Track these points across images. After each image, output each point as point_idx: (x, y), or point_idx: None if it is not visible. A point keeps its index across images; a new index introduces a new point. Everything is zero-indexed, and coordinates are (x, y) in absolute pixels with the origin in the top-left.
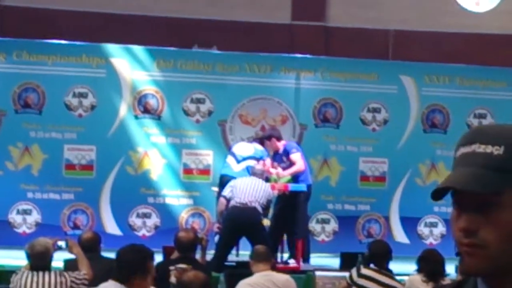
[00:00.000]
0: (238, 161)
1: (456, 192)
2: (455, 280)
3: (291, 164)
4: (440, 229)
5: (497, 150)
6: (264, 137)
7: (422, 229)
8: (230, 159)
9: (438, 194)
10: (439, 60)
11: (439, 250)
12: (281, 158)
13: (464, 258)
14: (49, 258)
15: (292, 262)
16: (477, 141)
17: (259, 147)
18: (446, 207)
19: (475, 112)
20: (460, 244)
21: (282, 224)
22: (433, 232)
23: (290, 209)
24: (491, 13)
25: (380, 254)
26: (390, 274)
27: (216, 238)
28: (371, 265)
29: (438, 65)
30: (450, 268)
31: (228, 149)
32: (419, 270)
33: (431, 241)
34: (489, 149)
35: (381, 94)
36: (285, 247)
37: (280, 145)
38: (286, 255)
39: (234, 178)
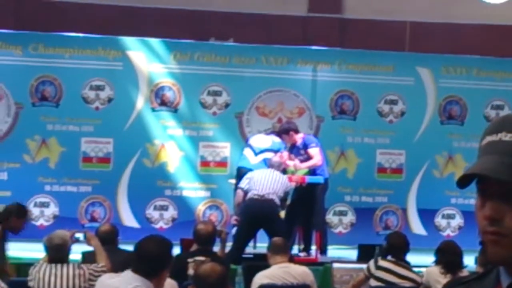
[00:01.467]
0: (256, 154)
1: (482, 180)
2: (478, 272)
3: (309, 157)
4: (458, 221)
5: None
6: (282, 132)
7: (440, 221)
8: (247, 151)
9: (463, 181)
10: (455, 51)
11: (457, 242)
12: (299, 151)
13: (488, 247)
14: (67, 251)
15: (303, 255)
16: (504, 129)
17: (276, 139)
18: (463, 198)
19: (492, 104)
20: (484, 232)
21: (299, 216)
22: (450, 224)
23: (307, 201)
24: (508, 4)
25: (398, 246)
26: (407, 265)
27: (234, 230)
28: (389, 257)
29: (455, 56)
30: (468, 260)
31: (245, 141)
32: (437, 262)
33: (448, 233)
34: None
35: (398, 86)
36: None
37: (298, 137)
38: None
39: (251, 170)
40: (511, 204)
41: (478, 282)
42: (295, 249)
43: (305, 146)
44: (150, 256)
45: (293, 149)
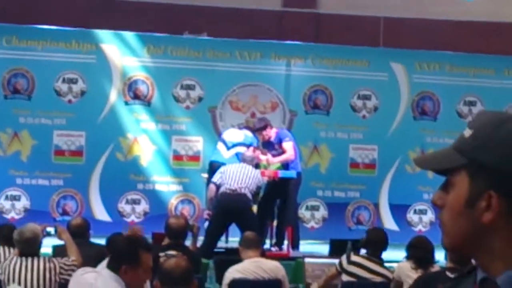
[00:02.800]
0: (228, 148)
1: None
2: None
3: (283, 151)
4: (429, 216)
5: (468, 133)
6: (260, 129)
7: (412, 216)
8: (220, 146)
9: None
10: (429, 47)
11: (429, 237)
12: (273, 145)
13: None
14: (38, 244)
15: (275, 249)
16: (468, 125)
17: (249, 133)
18: None
19: (465, 100)
20: None
21: (271, 211)
22: (422, 219)
23: (280, 196)
24: (481, 0)
25: (376, 243)
26: (380, 261)
27: (206, 224)
28: (363, 252)
29: (428, 52)
30: (440, 255)
31: (218, 135)
32: (408, 257)
33: (420, 228)
34: (467, 132)
35: (372, 81)
36: (275, 233)
37: (272, 132)
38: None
39: (224, 164)
40: (446, 194)
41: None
42: (267, 244)
43: (279, 140)
44: (117, 253)
45: (267, 144)
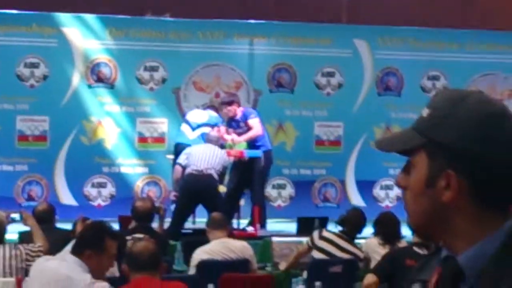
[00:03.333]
0: (193, 129)
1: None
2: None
3: (249, 129)
4: (396, 191)
5: (426, 113)
6: (226, 103)
7: (378, 192)
8: (184, 127)
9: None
10: (392, 23)
11: (395, 213)
12: (238, 124)
13: None
14: (3, 231)
15: (250, 229)
16: (426, 105)
17: (213, 113)
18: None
19: (428, 75)
20: None
21: (238, 191)
22: (389, 194)
23: (247, 175)
24: None
25: (354, 223)
26: (350, 239)
27: (173, 206)
28: (335, 229)
29: (391, 28)
30: (407, 231)
31: (183, 116)
32: (375, 233)
33: (387, 203)
34: (425, 111)
35: (335, 58)
36: (242, 213)
37: (239, 111)
38: (243, 222)
39: (189, 145)
40: (408, 175)
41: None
42: (241, 224)
43: (245, 118)
44: (81, 238)
45: (232, 123)
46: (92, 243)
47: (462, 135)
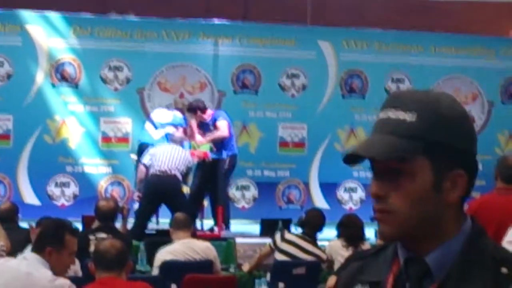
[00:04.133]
0: (157, 128)
1: (370, 158)
2: (376, 245)
3: (217, 131)
4: (360, 194)
5: (410, 117)
6: (189, 110)
7: (342, 194)
8: (148, 126)
9: (351, 159)
10: (356, 25)
11: (359, 215)
12: (208, 127)
13: (378, 225)
14: None
15: (217, 230)
16: (392, 106)
17: (178, 114)
18: (365, 171)
19: (392, 77)
20: (374, 210)
21: (202, 192)
22: (352, 197)
23: (210, 176)
24: None
25: (313, 224)
26: (313, 241)
27: (136, 206)
28: (298, 231)
29: (356, 30)
30: (370, 233)
31: (147, 116)
32: (339, 236)
33: (350, 206)
34: (401, 115)
35: (300, 60)
36: (205, 214)
37: (208, 115)
38: (206, 222)
39: (153, 145)
40: (395, 183)
41: (375, 257)
42: (204, 225)
43: (214, 120)
44: (41, 235)
45: (202, 126)
46: (52, 239)
47: (457, 134)
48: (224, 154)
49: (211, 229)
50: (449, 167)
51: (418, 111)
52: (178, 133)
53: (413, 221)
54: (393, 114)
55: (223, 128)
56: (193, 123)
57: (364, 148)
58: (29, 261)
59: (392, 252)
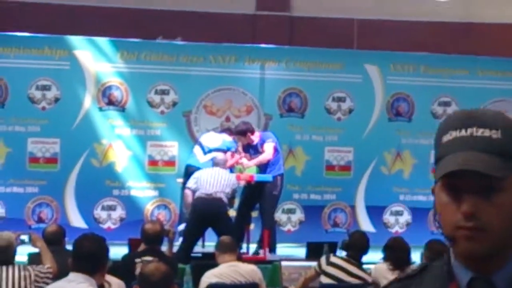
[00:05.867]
0: (205, 152)
1: (454, 175)
2: (416, 267)
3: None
4: (406, 217)
5: (495, 134)
6: (238, 133)
7: (388, 218)
8: (197, 150)
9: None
10: (403, 49)
11: (405, 239)
12: (256, 149)
13: (461, 242)
14: (12, 252)
15: (261, 253)
16: (474, 125)
17: (227, 138)
18: (411, 195)
19: (439, 100)
20: (458, 227)
21: (248, 215)
22: (398, 220)
23: (256, 200)
24: (454, 2)
25: (357, 246)
26: (358, 264)
27: (181, 227)
28: (342, 254)
29: (403, 53)
30: (416, 256)
31: (194, 140)
32: (385, 259)
33: (397, 229)
34: (487, 132)
35: (346, 83)
36: (251, 237)
37: (255, 137)
38: (252, 246)
39: (199, 168)
40: (489, 200)
41: (418, 279)
42: (250, 248)
43: (262, 142)
44: (92, 255)
45: (249, 148)
46: (103, 259)
47: None
48: (270, 177)
49: (256, 253)
50: None
51: (501, 128)
52: (221, 156)
53: (505, 238)
54: (476, 131)
55: (268, 150)
56: (240, 146)
57: (472, 164)
58: (74, 280)
59: (444, 272)
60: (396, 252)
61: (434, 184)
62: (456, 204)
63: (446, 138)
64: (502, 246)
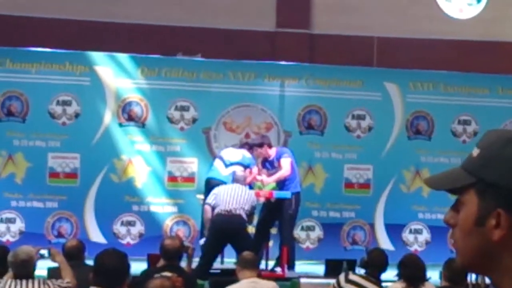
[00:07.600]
0: (226, 166)
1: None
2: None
3: (280, 168)
4: (425, 235)
5: (475, 152)
6: (256, 145)
7: (407, 236)
8: (218, 163)
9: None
10: (423, 67)
11: (424, 257)
12: (272, 164)
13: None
14: (33, 266)
15: (278, 270)
16: (476, 144)
17: (247, 154)
18: (430, 213)
19: (459, 119)
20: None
21: (267, 231)
22: (418, 239)
23: (275, 216)
24: (474, 20)
25: (376, 264)
26: (377, 282)
27: (201, 241)
28: (361, 271)
29: (422, 71)
30: (435, 275)
31: (213, 156)
32: (399, 276)
33: (416, 248)
34: (475, 151)
35: (366, 101)
36: (270, 254)
37: (272, 152)
38: (270, 262)
39: (220, 181)
40: (458, 213)
41: None
42: (262, 264)
43: (279, 157)
44: (115, 271)
45: (266, 164)
46: (125, 274)
47: (510, 175)
48: (289, 194)
49: (272, 270)
50: (494, 205)
51: (482, 148)
52: (241, 172)
53: (466, 254)
54: (475, 152)
55: (286, 166)
56: (259, 163)
57: (430, 178)
58: None
59: None
60: (410, 269)
61: None
62: None
63: None
64: (471, 259)
